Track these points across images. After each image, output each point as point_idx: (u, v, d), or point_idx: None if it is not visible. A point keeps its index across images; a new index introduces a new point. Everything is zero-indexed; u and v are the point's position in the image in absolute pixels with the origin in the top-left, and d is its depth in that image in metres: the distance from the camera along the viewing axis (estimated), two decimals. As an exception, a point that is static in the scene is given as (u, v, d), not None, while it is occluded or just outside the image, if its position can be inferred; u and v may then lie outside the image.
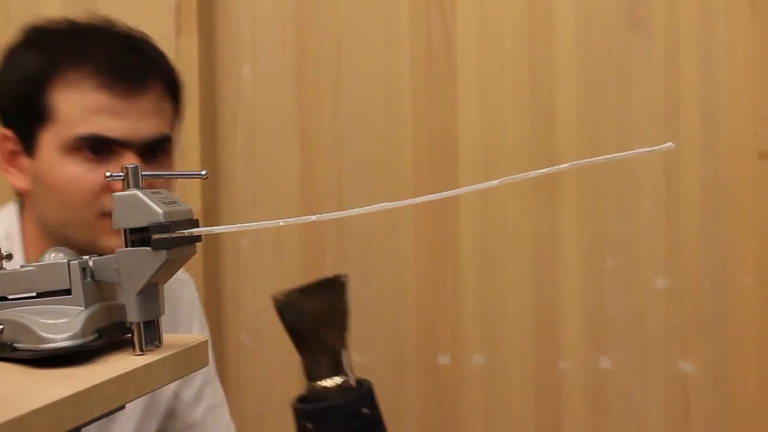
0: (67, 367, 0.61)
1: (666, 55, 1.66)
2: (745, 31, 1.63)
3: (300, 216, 0.66)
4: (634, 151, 0.60)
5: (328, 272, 1.76)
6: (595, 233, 1.69)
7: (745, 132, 1.64)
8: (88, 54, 1.13)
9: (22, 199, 1.19)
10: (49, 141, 1.12)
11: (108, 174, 0.66)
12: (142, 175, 0.65)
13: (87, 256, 0.67)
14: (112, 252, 1.15)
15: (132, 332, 0.65)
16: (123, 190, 0.65)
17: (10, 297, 0.67)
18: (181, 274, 1.33)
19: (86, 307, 0.65)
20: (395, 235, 1.74)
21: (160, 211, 0.63)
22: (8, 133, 1.15)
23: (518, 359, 1.72)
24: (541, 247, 1.70)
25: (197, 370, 0.70)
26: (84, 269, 0.66)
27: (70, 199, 1.11)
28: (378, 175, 1.74)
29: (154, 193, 0.65)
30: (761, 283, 1.64)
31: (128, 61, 1.15)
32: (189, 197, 1.69)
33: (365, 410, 0.76)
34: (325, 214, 0.68)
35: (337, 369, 0.77)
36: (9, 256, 0.69)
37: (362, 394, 0.76)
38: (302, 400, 0.79)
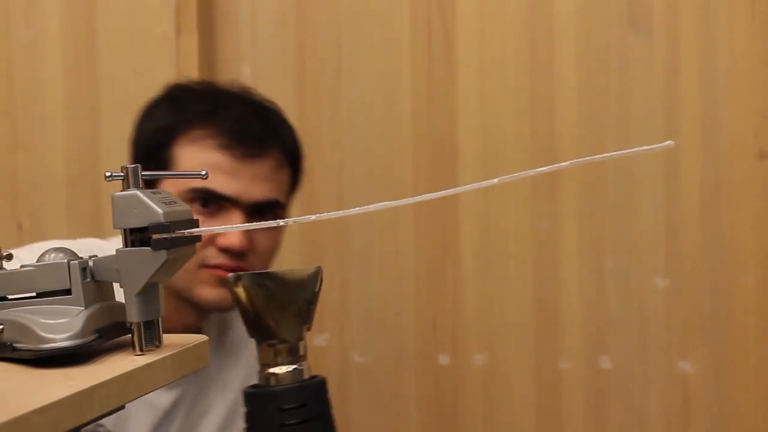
0: (67, 367, 0.61)
1: (666, 55, 1.66)
2: (745, 31, 1.63)
3: (300, 216, 0.67)
4: (634, 149, 0.60)
5: (327, 272, 1.76)
6: (595, 233, 1.69)
7: (745, 132, 1.64)
8: (217, 115, 1.21)
9: None
10: (167, 190, 1.17)
11: (108, 174, 0.66)
12: (142, 175, 0.65)
13: (87, 256, 0.67)
14: (206, 302, 1.21)
15: (132, 332, 0.65)
16: (123, 190, 0.65)
17: (10, 297, 0.67)
18: None
19: (86, 307, 0.65)
20: (395, 235, 1.74)
21: (160, 211, 0.63)
22: None
23: (518, 359, 1.72)
24: (541, 247, 1.70)
25: (197, 370, 0.70)
26: (84, 269, 0.65)
27: None
28: (378, 175, 1.74)
29: (154, 193, 0.65)
30: (761, 283, 1.64)
31: (252, 127, 1.22)
32: (189, 197, 1.69)
33: (310, 402, 0.76)
34: (325, 214, 0.68)
35: (287, 359, 0.77)
36: (9, 256, 0.69)
37: (308, 385, 0.77)
38: (252, 386, 0.80)
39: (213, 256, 1.19)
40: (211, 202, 1.19)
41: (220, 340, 1.35)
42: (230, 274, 0.77)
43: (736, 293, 1.65)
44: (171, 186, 1.19)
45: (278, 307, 0.76)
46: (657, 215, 1.67)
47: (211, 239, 1.18)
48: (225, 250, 1.19)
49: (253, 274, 0.77)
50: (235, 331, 1.35)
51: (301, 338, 0.78)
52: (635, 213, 1.68)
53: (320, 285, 0.79)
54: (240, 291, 0.76)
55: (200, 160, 1.19)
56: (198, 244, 1.15)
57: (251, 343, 1.35)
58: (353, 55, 1.75)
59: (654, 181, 1.67)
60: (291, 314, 0.77)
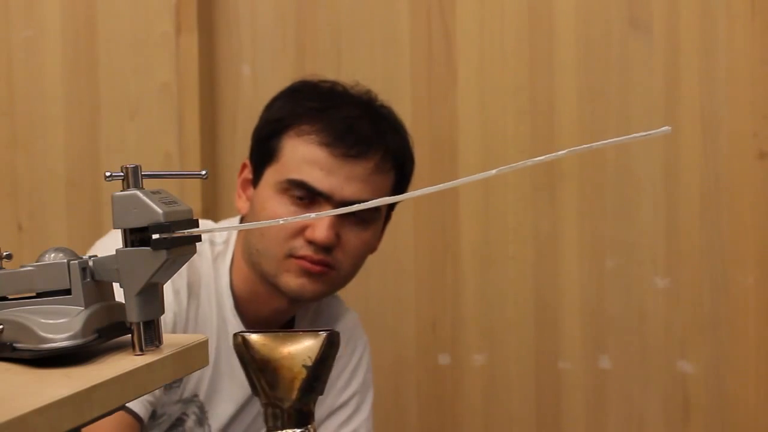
0: (67, 367, 0.61)
1: (666, 55, 1.66)
2: (745, 31, 1.63)
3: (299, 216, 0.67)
4: (632, 136, 0.60)
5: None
6: (595, 233, 1.69)
7: (745, 132, 1.64)
8: (326, 113, 1.26)
9: (242, 219, 1.33)
10: (269, 178, 1.27)
11: (108, 174, 0.66)
12: (143, 175, 0.65)
13: (87, 256, 0.67)
14: (290, 290, 1.25)
15: (132, 332, 0.65)
16: (123, 189, 0.65)
17: (10, 297, 0.67)
18: (360, 334, 1.42)
19: (86, 307, 0.65)
20: (395, 235, 1.74)
21: (160, 211, 0.63)
22: (248, 163, 1.32)
23: (518, 359, 1.72)
24: (541, 247, 1.70)
25: (197, 370, 0.70)
26: (84, 269, 0.65)
27: (269, 233, 1.24)
28: (378, 175, 1.74)
29: (154, 193, 0.65)
30: (761, 283, 1.64)
31: (357, 128, 1.26)
32: (189, 197, 1.69)
33: None
34: (325, 212, 0.68)
35: (285, 423, 0.75)
36: (9, 256, 0.69)
37: None
38: None
39: (300, 247, 1.23)
40: (306, 195, 1.24)
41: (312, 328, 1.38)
42: (234, 333, 0.76)
43: (736, 293, 1.65)
44: (271, 175, 1.25)
45: (272, 369, 0.74)
46: (657, 215, 1.67)
47: (301, 231, 1.22)
48: (312, 243, 1.22)
49: (255, 332, 0.75)
50: (331, 320, 1.38)
51: (298, 406, 0.74)
52: (635, 213, 1.68)
53: (327, 352, 0.75)
54: (237, 347, 0.75)
55: (301, 153, 1.24)
56: (289, 233, 1.22)
57: (347, 336, 1.37)
58: (353, 55, 1.75)
59: (654, 181, 1.67)
60: (286, 379, 0.74)
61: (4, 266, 0.68)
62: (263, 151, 1.28)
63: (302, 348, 0.74)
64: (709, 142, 1.65)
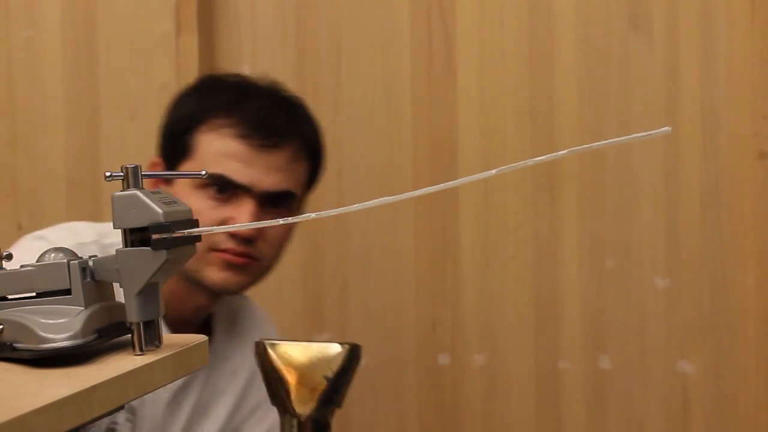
0: (67, 367, 0.61)
1: (666, 55, 1.66)
2: (745, 31, 1.63)
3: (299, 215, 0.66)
4: (633, 136, 0.60)
5: (327, 272, 1.76)
6: (595, 233, 1.69)
7: (745, 132, 1.64)
8: (239, 106, 1.26)
9: None
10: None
11: (108, 174, 0.66)
12: (142, 175, 0.65)
13: (87, 256, 0.67)
14: (213, 284, 1.24)
15: (132, 332, 0.65)
16: (123, 189, 0.65)
17: (10, 297, 0.67)
18: (258, 311, 1.43)
19: (86, 307, 0.65)
20: (395, 234, 1.74)
21: (159, 210, 0.63)
22: (158, 161, 1.29)
23: (518, 359, 1.72)
24: (541, 247, 1.70)
25: (197, 369, 0.70)
26: (84, 269, 0.65)
27: None
28: (378, 175, 1.74)
29: (154, 192, 0.65)
30: (761, 283, 1.64)
31: (271, 119, 1.26)
32: (189, 197, 1.69)
33: None
34: (325, 212, 0.68)
35: None
36: (9, 256, 0.69)
37: None
38: None
39: (222, 241, 1.23)
40: (226, 189, 1.23)
41: (231, 326, 1.39)
42: (256, 341, 0.75)
43: (736, 293, 1.65)
44: (191, 170, 1.23)
45: (293, 379, 0.73)
46: (657, 215, 1.67)
47: (222, 224, 1.21)
48: (234, 236, 1.22)
49: (277, 341, 0.74)
50: (245, 317, 1.39)
51: (316, 416, 0.73)
52: (635, 213, 1.68)
53: (348, 364, 0.75)
54: (259, 355, 0.74)
55: (218, 147, 1.23)
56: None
57: (261, 330, 1.37)
58: (353, 55, 1.75)
59: (654, 181, 1.67)
60: (306, 389, 0.74)
61: (4, 266, 0.68)
62: (176, 147, 1.26)
63: (324, 359, 0.73)
64: (709, 142, 1.65)
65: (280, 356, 0.73)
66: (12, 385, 0.58)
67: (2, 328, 0.64)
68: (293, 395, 0.73)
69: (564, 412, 1.71)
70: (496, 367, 1.72)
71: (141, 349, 0.65)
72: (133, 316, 0.64)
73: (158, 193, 0.65)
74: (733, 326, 1.65)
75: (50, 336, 0.62)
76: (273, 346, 0.73)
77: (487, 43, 1.71)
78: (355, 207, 0.64)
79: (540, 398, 1.71)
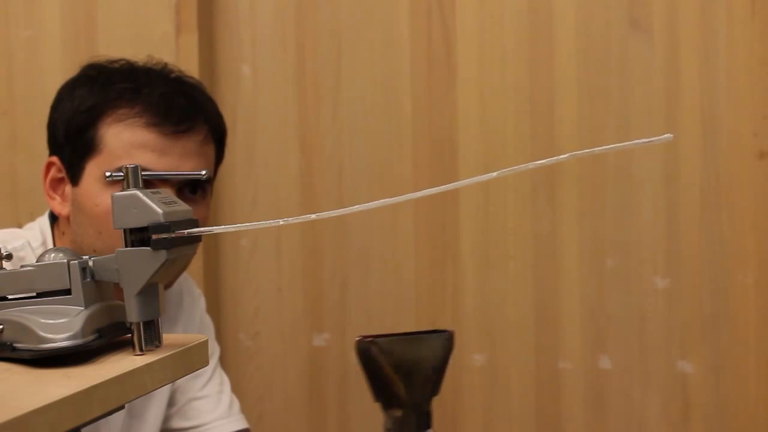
0: (67, 367, 0.61)
1: (666, 55, 1.66)
2: (745, 31, 1.63)
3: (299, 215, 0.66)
4: (634, 142, 0.60)
5: (327, 272, 1.76)
6: (595, 233, 1.69)
7: (745, 132, 1.64)
8: (141, 93, 1.20)
9: (58, 219, 1.25)
10: (92, 171, 1.19)
11: (108, 174, 0.66)
12: (142, 175, 0.65)
13: (87, 256, 0.67)
14: None
15: (132, 332, 0.65)
16: (123, 190, 0.65)
17: (10, 297, 0.67)
18: (195, 289, 1.41)
19: (86, 307, 0.65)
20: (395, 235, 1.74)
21: (159, 211, 0.63)
22: (55, 160, 1.23)
23: (518, 359, 1.72)
24: (541, 247, 1.70)
25: (197, 370, 0.70)
26: (84, 269, 0.65)
27: (107, 228, 1.16)
28: (378, 176, 1.74)
29: (153, 193, 0.65)
30: (761, 283, 1.64)
31: (178, 104, 1.21)
32: (189, 197, 1.69)
33: None
34: (325, 212, 0.68)
35: (410, 427, 0.73)
36: (9, 256, 0.69)
37: None
38: None
39: None
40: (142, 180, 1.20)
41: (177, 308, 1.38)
42: (356, 340, 0.75)
43: (736, 293, 1.65)
44: (96, 168, 1.17)
45: (406, 373, 0.73)
46: (657, 215, 1.67)
47: None
48: None
49: (384, 338, 0.74)
50: (180, 292, 1.36)
51: (427, 408, 0.73)
52: (635, 213, 1.68)
53: (448, 352, 0.74)
54: (369, 355, 0.73)
55: (127, 138, 1.18)
56: None
57: (197, 305, 1.35)
58: (353, 55, 1.75)
59: (654, 181, 1.67)
60: (418, 382, 0.73)
61: (4, 266, 0.68)
62: (78, 144, 1.20)
63: (429, 349, 0.73)
64: (709, 142, 1.65)
65: (390, 352, 0.72)
66: (12, 385, 0.58)
67: (2, 328, 0.64)
68: (408, 390, 0.72)
69: (564, 412, 1.71)
70: (496, 367, 1.72)
71: (141, 349, 0.65)
72: (133, 316, 0.64)
73: (158, 193, 0.65)
74: (733, 326, 1.65)
75: (50, 336, 0.62)
76: (380, 342, 0.73)
77: (487, 43, 1.71)
78: (356, 208, 0.64)
79: (540, 398, 1.71)
